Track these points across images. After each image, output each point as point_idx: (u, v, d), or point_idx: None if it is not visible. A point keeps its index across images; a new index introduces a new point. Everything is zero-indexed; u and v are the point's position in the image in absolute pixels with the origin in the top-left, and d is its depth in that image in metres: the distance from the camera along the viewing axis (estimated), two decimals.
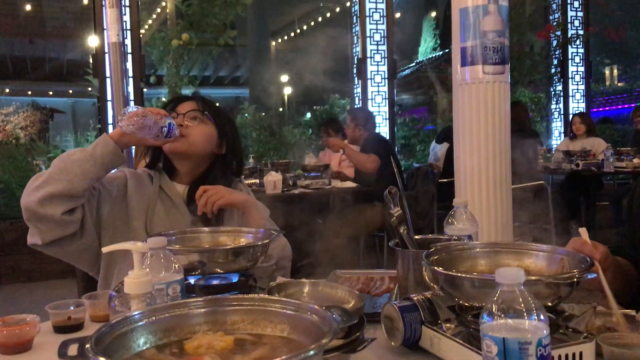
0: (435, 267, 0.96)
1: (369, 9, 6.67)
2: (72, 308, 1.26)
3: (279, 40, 17.74)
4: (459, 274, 0.93)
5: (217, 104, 1.92)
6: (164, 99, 5.73)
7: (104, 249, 1.04)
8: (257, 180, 4.33)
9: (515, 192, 3.78)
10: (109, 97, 5.15)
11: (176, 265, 1.05)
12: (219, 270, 1.26)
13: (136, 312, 0.77)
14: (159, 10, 9.16)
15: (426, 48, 15.66)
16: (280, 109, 14.41)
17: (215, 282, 1.31)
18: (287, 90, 16.25)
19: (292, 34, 17.50)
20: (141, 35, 5.77)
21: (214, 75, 19.61)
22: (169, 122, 1.59)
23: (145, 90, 5.73)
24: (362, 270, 1.60)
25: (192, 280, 1.30)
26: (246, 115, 7.20)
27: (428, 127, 8.78)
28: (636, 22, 13.63)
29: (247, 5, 5.88)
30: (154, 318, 0.76)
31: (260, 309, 0.80)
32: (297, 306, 0.78)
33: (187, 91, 5.68)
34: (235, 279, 1.31)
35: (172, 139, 1.61)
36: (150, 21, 8.03)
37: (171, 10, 6.24)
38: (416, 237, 1.29)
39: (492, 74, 2.98)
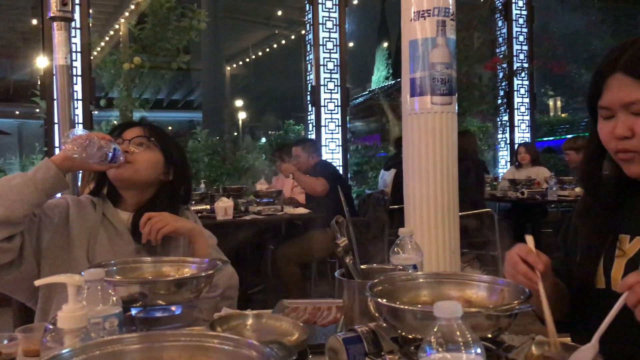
0: (378, 299, 0.97)
1: (323, 37, 6.77)
2: (5, 342, 1.19)
3: (234, 65, 17.78)
4: (400, 306, 0.93)
5: (167, 129, 1.90)
6: (115, 122, 5.62)
7: (37, 282, 1.00)
8: (208, 206, 4.27)
9: (463, 220, 3.86)
10: (56, 119, 5.02)
11: (114, 298, 1.02)
12: (161, 302, 1.23)
13: (66, 350, 0.73)
14: (112, 33, 9.05)
15: (379, 77, 15.99)
16: (235, 134, 14.36)
17: (157, 314, 1.28)
18: (242, 115, 16.22)
19: (247, 60, 17.57)
20: (92, 58, 5.67)
21: (167, 99, 19.43)
22: (114, 147, 1.56)
23: (95, 112, 5.62)
24: (310, 300, 1.58)
25: (133, 312, 1.26)
26: (198, 139, 7.14)
27: (380, 154, 8.90)
28: (577, 57, 14.30)
29: (201, 30, 5.87)
30: (84, 356, 0.73)
31: (198, 344, 0.78)
32: (235, 342, 0.76)
33: (138, 114, 5.59)
34: (178, 310, 1.28)
35: (117, 164, 1.58)
36: (102, 44, 7.92)
37: (124, 33, 6.18)
38: (362, 266, 1.29)
39: (440, 104, 3.06)
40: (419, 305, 1.03)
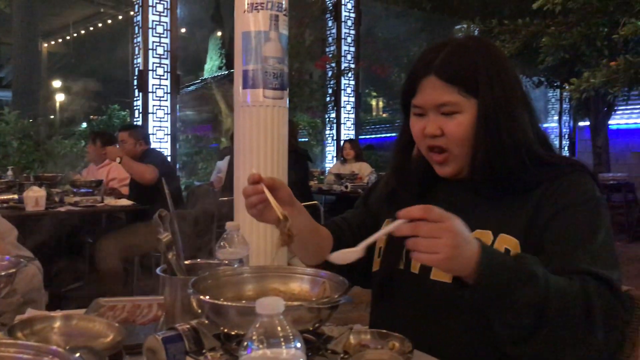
0: (200, 296, 0.93)
1: (152, 21, 6.47)
2: None
3: (52, 42, 16.28)
4: (223, 302, 0.91)
5: None
6: None
7: None
8: (16, 196, 3.85)
9: None
10: None
11: None
12: None
13: None
14: None
15: (212, 66, 15.74)
16: (52, 117, 13.16)
17: None
18: (60, 97, 14.92)
19: (68, 37, 16.19)
20: None
21: None
22: None
23: None
24: (129, 298, 1.49)
25: None
26: (6, 121, 6.42)
27: (213, 144, 8.78)
28: (399, 61, 15.40)
29: None
30: None
31: None
32: (36, 350, 0.68)
33: None
34: None
35: None
36: None
37: None
38: (186, 262, 1.25)
39: (272, 98, 3.08)
40: (244, 301, 1.02)
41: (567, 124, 12.28)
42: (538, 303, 0.87)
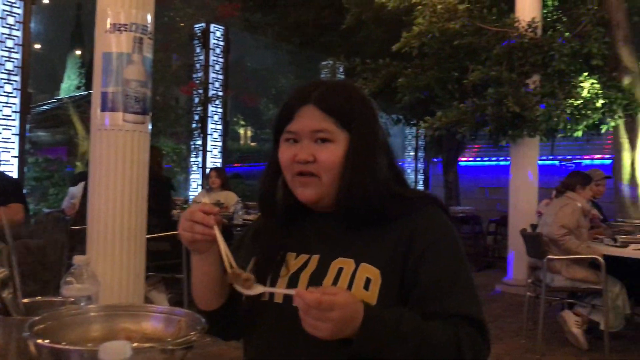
0: (38, 339, 0.84)
1: (2, 34, 5.97)
2: None
3: None
4: (62, 346, 0.82)
5: None
6: None
7: None
8: None
9: (152, 242, 3.78)
10: None
11: None
12: None
13: None
14: None
15: (69, 85, 14.85)
16: None
17: None
18: None
19: None
20: None
21: None
22: None
23: None
24: None
25: None
26: None
27: (69, 168, 8.22)
28: (267, 92, 15.61)
29: None
30: None
31: None
32: None
33: None
34: None
35: None
36: None
37: None
38: (25, 300, 1.12)
39: (133, 122, 2.96)
40: (89, 344, 0.93)
41: (422, 160, 13.17)
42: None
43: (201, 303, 1.16)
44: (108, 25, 2.91)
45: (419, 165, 13.20)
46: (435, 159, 11.73)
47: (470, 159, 11.21)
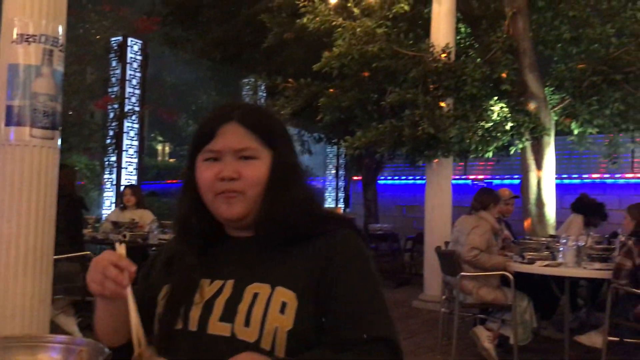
0: None
1: None
2: None
3: None
4: None
5: None
6: None
7: None
8: None
9: (60, 263, 3.59)
10: None
11: None
12: None
13: None
14: None
15: None
16: None
17: None
18: None
19: None
20: None
21: None
22: None
23: None
24: None
25: None
26: None
27: None
28: (187, 108, 15.33)
29: None
30: None
31: None
32: None
33: None
34: None
35: None
36: None
37: None
38: None
39: (41, 137, 2.82)
40: None
41: (343, 178, 13.36)
42: None
43: (105, 340, 1.08)
44: (15, 36, 2.77)
45: (340, 183, 13.38)
46: (355, 177, 11.93)
47: (389, 177, 11.48)
